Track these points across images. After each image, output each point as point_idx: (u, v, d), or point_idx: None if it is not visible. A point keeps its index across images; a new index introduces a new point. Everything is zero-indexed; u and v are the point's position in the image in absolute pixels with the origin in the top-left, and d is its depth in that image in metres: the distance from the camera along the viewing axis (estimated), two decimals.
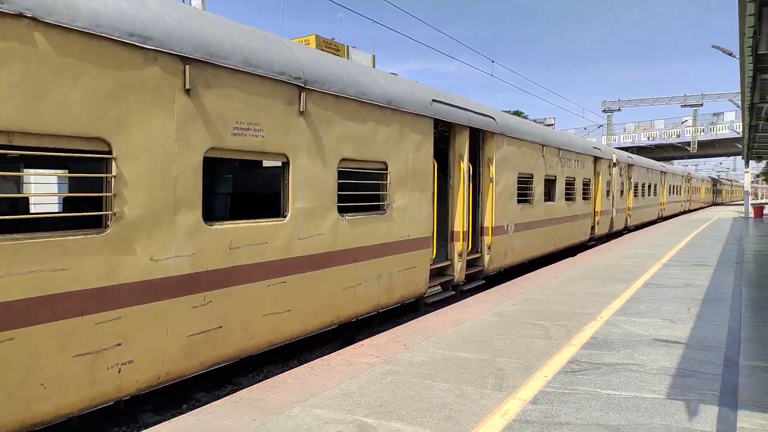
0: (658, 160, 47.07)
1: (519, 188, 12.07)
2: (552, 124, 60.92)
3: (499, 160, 11.01)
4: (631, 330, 6.80)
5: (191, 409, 5.90)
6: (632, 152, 43.14)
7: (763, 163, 52.71)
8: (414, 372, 5.31)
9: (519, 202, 12.10)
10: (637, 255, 14.42)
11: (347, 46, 40.37)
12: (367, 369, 5.41)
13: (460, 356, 5.79)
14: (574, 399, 4.58)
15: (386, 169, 7.56)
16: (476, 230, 10.84)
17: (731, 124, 56.60)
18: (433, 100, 8.71)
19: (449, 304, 8.87)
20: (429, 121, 8.52)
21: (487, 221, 10.81)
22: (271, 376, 6.86)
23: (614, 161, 20.55)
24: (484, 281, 10.94)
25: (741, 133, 33.13)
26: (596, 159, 18.59)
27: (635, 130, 63.55)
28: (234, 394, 4.93)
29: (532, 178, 12.74)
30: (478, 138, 10.75)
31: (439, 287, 9.65)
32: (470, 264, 10.33)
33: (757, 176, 78.32)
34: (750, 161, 34.95)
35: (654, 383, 4.93)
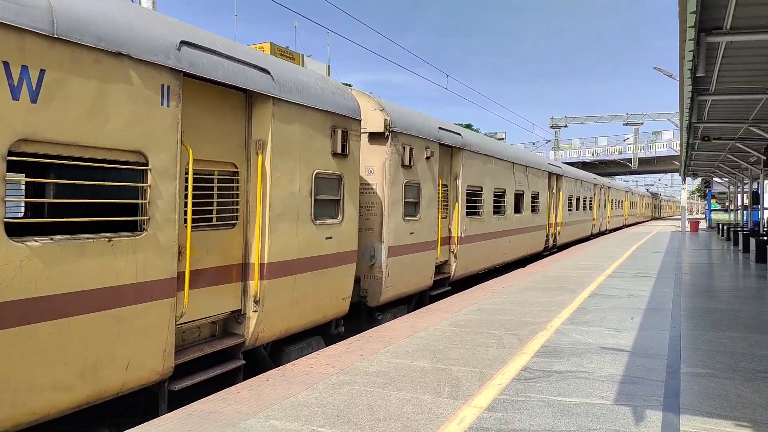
0: (602, 175, 48.54)
1: None
2: (503, 138, 62.50)
3: None
4: (580, 339, 7.02)
5: (138, 423, 5.68)
6: (577, 167, 44.32)
7: (698, 180, 55.62)
8: (371, 381, 5.30)
9: None
10: None
11: (302, 55, 40.27)
12: (323, 379, 5.36)
13: (416, 365, 5.83)
14: (527, 406, 4.68)
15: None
16: None
17: (669, 142, 59.62)
18: None
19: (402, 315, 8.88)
20: None
21: None
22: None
23: (390, 128, 8.97)
24: None
25: (678, 151, 34.76)
26: (291, 111, 6.64)
27: (581, 146, 66.01)
28: (185, 407, 4.78)
29: None
30: None
31: None
32: None
33: (693, 192, 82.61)
34: (687, 178, 36.80)
35: (602, 390, 5.10)
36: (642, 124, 62.55)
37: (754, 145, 17.17)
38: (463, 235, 11.92)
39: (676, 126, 39.33)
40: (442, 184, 11.18)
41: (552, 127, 68.37)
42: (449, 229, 11.61)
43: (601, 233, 32.04)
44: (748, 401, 4.80)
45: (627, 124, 63.17)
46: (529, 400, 4.81)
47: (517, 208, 16.29)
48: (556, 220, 20.86)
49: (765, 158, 15.77)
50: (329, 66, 41.42)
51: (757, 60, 8.56)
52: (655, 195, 77.40)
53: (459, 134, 11.78)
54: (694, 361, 6.02)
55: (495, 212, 14.01)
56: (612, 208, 36.20)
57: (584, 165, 60.04)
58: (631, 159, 61.52)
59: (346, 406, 4.65)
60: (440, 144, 10.69)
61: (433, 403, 4.75)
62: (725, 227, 29.72)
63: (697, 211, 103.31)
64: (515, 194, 15.92)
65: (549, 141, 62.84)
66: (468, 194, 12.17)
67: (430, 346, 6.63)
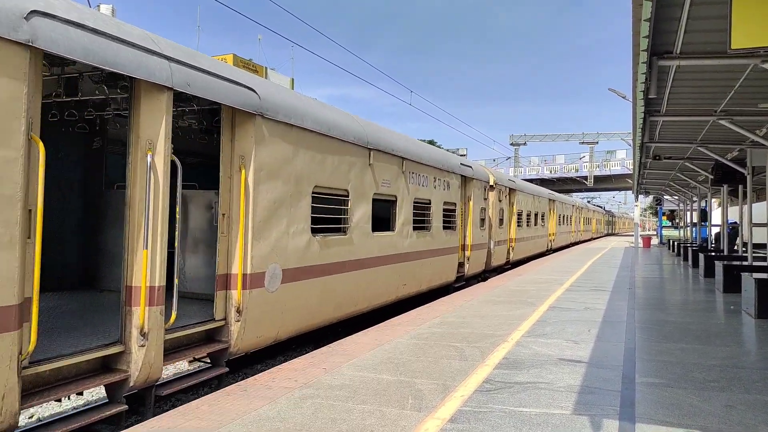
0: (559, 192, 49.70)
1: None
2: (464, 155, 63.49)
3: None
4: (539, 350, 7.15)
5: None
6: (537, 184, 45.29)
7: (650, 198, 57.62)
8: (334, 395, 5.26)
9: None
10: None
11: (266, 68, 40.05)
12: (286, 393, 5.30)
13: (380, 378, 5.82)
14: (489, 417, 4.73)
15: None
16: None
17: (622, 161, 61.79)
18: None
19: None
20: None
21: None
22: (181, 404, 6.52)
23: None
24: None
25: (631, 170, 35.89)
26: None
27: (540, 164, 67.68)
28: (141, 423, 4.64)
29: None
30: None
31: None
32: None
33: (645, 210, 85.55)
34: (639, 195, 38.11)
35: (561, 400, 5.20)
36: (597, 143, 64.76)
37: (702, 165, 17.97)
38: None
39: (630, 145, 40.79)
40: None
41: (512, 144, 69.99)
42: None
43: (496, 269, 19.30)
44: (699, 409, 4.98)
45: (583, 143, 65.24)
46: (491, 412, 4.86)
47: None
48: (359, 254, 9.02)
49: (712, 177, 16.51)
50: (293, 80, 41.35)
51: (705, 84, 9.00)
52: (608, 211, 79.49)
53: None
54: (648, 372, 6.21)
55: None
56: (527, 225, 23.38)
57: (543, 182, 61.52)
58: (587, 177, 63.41)
59: (309, 420, 4.60)
60: None
61: (396, 415, 4.75)
62: (676, 243, 30.85)
63: (649, 228, 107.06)
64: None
65: (509, 158, 64.22)
66: None
67: (393, 359, 6.63)
